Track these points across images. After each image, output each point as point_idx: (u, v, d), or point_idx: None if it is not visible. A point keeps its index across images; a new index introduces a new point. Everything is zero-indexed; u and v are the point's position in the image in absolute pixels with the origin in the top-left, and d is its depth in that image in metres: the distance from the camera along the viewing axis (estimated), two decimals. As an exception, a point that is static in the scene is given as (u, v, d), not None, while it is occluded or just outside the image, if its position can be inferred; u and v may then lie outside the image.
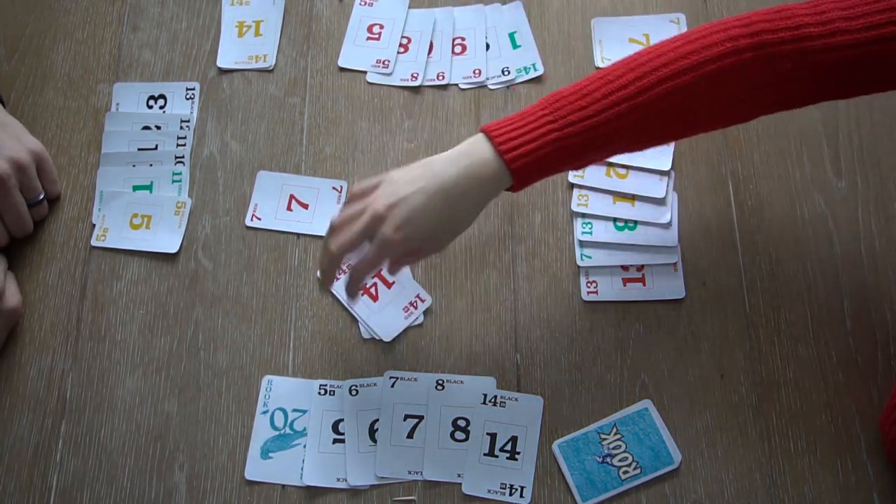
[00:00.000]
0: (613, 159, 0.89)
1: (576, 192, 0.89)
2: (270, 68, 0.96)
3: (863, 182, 0.89)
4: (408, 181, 0.75)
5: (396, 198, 0.74)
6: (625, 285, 0.85)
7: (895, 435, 0.75)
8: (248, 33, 0.98)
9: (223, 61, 0.97)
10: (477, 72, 0.95)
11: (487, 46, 0.97)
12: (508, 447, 0.80)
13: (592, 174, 0.90)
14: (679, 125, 0.76)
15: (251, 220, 0.89)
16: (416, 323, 0.84)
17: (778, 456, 0.79)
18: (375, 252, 0.75)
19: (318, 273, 0.86)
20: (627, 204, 0.88)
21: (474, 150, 0.75)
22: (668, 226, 0.87)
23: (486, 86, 0.95)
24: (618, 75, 0.73)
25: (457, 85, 0.95)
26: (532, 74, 0.95)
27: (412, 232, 0.74)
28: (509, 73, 0.95)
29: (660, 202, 0.88)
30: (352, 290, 0.79)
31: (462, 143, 0.76)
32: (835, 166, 0.89)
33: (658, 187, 0.88)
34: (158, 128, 0.94)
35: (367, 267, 0.77)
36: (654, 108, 0.72)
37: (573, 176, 0.90)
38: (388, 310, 0.85)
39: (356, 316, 0.85)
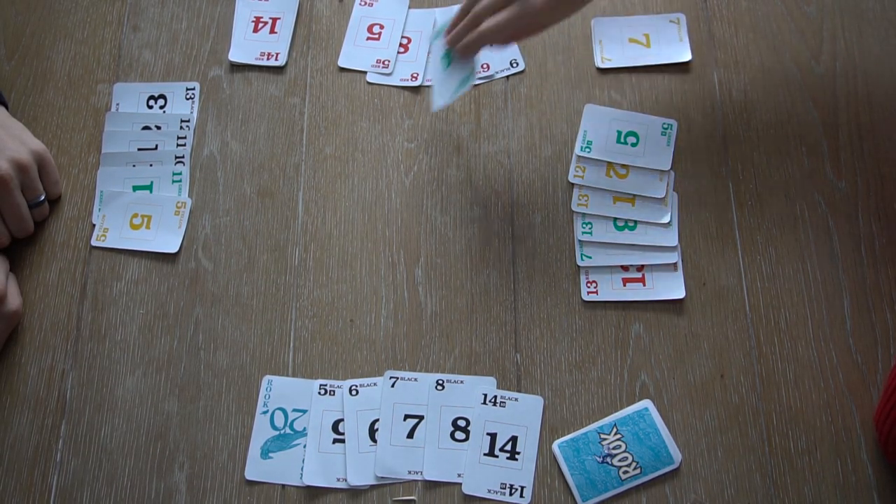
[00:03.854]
0: (613, 159, 0.89)
1: (576, 191, 0.89)
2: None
3: (863, 182, 0.89)
4: None
5: None
6: (625, 285, 0.85)
7: (888, 431, 0.75)
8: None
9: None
10: (486, 66, 0.95)
11: None
12: (508, 447, 0.80)
13: (592, 174, 0.90)
14: None
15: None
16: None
17: (778, 456, 0.79)
18: (516, 15, 0.80)
19: (444, 34, 0.87)
20: (627, 204, 0.88)
21: None
22: (668, 226, 0.87)
23: (493, 78, 0.95)
24: None
25: None
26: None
27: (555, 4, 0.81)
28: (518, 64, 0.95)
29: (660, 202, 0.88)
30: (473, 48, 0.84)
31: None
32: (835, 166, 0.89)
33: (658, 187, 0.88)
34: (158, 128, 0.94)
35: (497, 31, 0.81)
36: None
37: (573, 176, 0.90)
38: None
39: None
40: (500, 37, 0.82)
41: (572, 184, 0.90)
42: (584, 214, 0.88)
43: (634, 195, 0.89)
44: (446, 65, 0.87)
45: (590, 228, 0.88)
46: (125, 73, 0.97)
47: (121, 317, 0.86)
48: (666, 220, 0.87)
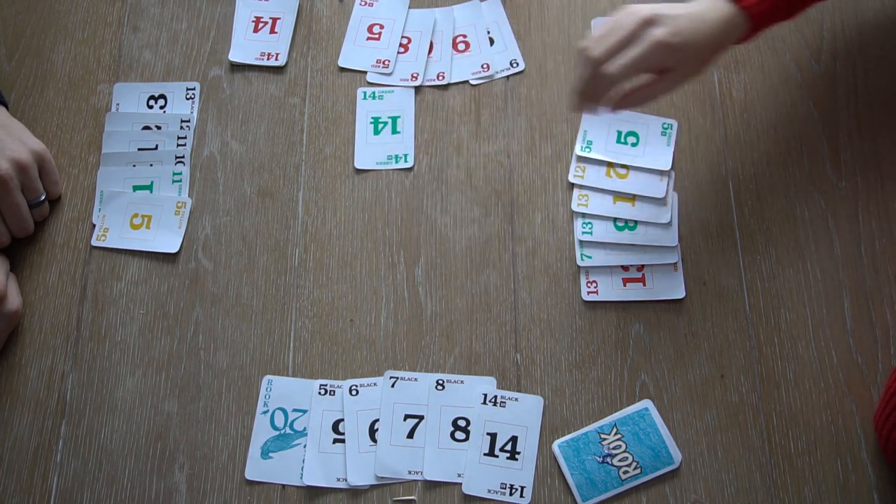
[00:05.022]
0: (613, 159, 0.89)
1: (576, 192, 0.89)
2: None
3: (863, 182, 0.88)
4: (665, 5, 0.76)
5: (661, 11, 0.76)
6: (625, 285, 0.85)
7: (889, 431, 0.75)
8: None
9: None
10: (486, 66, 0.95)
11: (492, 41, 0.97)
12: (508, 447, 0.80)
13: (592, 174, 0.90)
14: None
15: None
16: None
17: (778, 456, 0.79)
18: (646, 52, 0.74)
19: (578, 92, 0.78)
20: (627, 204, 0.88)
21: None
22: (668, 226, 0.87)
23: (493, 78, 0.95)
24: None
25: (467, 82, 0.95)
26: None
27: (684, 40, 0.75)
28: (518, 64, 0.95)
29: (660, 202, 0.88)
30: (597, 96, 0.77)
31: None
32: (835, 166, 0.89)
33: (658, 187, 0.88)
34: (159, 128, 0.94)
35: (624, 69, 0.75)
36: None
37: (573, 176, 0.90)
38: None
39: None
40: (623, 77, 0.76)
41: (572, 184, 0.90)
42: (584, 214, 0.88)
43: (634, 195, 0.89)
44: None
45: (590, 228, 0.88)
46: (125, 73, 0.97)
47: (121, 317, 0.86)
48: (666, 219, 0.87)
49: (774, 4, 0.79)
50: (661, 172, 0.89)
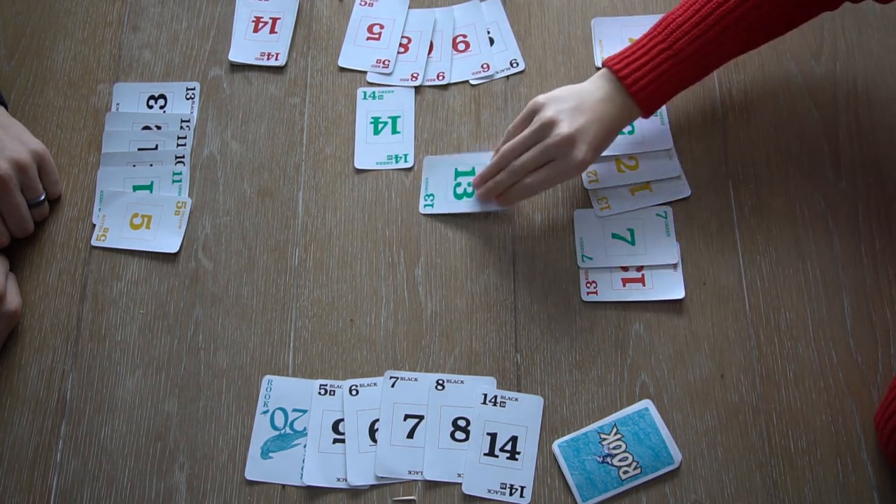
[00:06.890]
0: (616, 152, 0.89)
1: (594, 198, 0.89)
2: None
3: (863, 182, 0.88)
4: (576, 109, 0.82)
5: (579, 124, 0.81)
6: (624, 285, 0.85)
7: (890, 432, 0.75)
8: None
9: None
10: (486, 66, 0.95)
11: (492, 41, 0.97)
12: (508, 447, 0.80)
13: (604, 174, 0.89)
14: (781, 23, 0.84)
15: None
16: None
17: (778, 456, 0.79)
18: (562, 171, 0.81)
19: (477, 187, 0.88)
20: (646, 191, 0.88)
21: (606, 84, 0.82)
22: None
23: (493, 78, 0.95)
24: None
25: (467, 82, 0.95)
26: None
27: (593, 157, 0.82)
28: (518, 64, 0.95)
29: (677, 180, 0.88)
30: (514, 201, 0.86)
31: (591, 78, 0.84)
32: (835, 166, 0.89)
33: (671, 167, 0.89)
34: (159, 128, 0.94)
35: (545, 184, 0.83)
36: (757, 12, 0.80)
37: (588, 182, 0.89)
38: None
39: None
40: (541, 190, 0.85)
41: (588, 189, 0.89)
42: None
43: (649, 181, 0.89)
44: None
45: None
46: (125, 73, 0.97)
47: (121, 317, 0.86)
48: (688, 194, 0.87)
49: (658, 88, 0.82)
50: (667, 152, 0.89)
